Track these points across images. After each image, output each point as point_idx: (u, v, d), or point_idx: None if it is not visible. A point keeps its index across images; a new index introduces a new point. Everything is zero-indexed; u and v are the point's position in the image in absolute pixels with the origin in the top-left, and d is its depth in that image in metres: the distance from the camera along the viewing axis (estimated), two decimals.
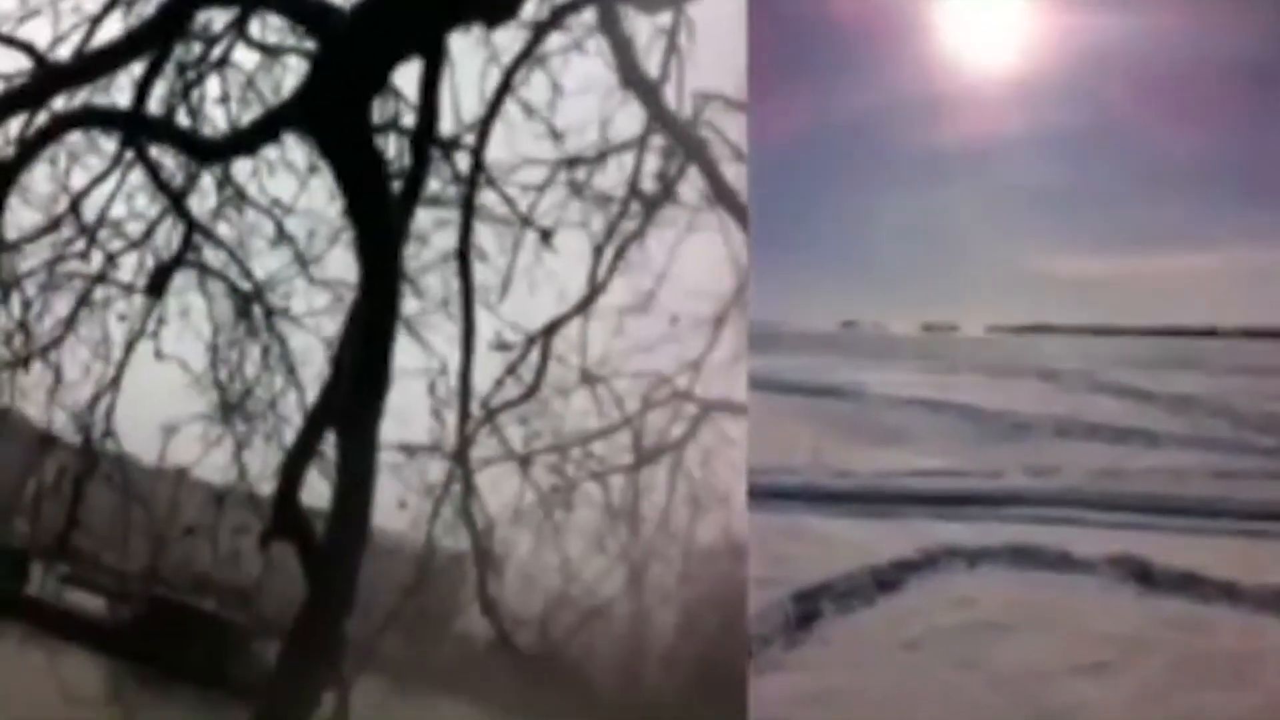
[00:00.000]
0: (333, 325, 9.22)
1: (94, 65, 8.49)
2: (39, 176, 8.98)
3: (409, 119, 8.72)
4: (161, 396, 9.62)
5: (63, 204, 9.27)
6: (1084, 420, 19.68)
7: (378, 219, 8.16)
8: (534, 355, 10.06)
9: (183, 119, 9.21)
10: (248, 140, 8.84)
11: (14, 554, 10.94)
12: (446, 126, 8.96)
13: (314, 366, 9.28)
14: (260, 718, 7.79)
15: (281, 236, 9.68)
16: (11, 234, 9.06)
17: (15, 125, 8.44)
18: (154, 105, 8.89)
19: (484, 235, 9.70)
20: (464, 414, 9.72)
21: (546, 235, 9.88)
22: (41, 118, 8.51)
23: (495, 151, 9.48)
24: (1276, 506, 12.31)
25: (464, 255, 9.37)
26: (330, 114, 7.93)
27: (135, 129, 8.91)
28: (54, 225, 9.30)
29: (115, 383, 9.46)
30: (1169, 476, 13.99)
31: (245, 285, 9.78)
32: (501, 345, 9.97)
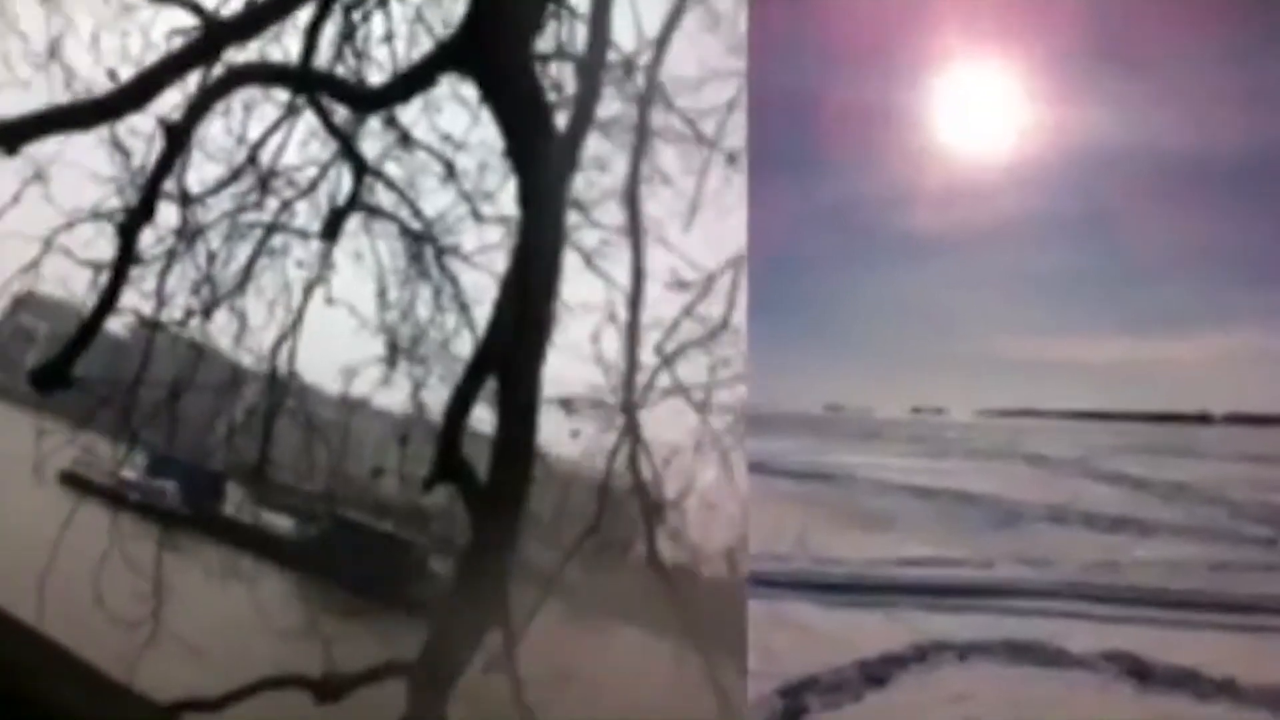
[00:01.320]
0: (505, 262, 9.12)
1: (261, 17, 8.49)
2: (216, 130, 9.20)
3: (581, 38, 8.83)
4: (341, 339, 9.90)
5: (240, 155, 9.50)
6: (1077, 508, 19.56)
7: (541, 155, 8.14)
8: (725, 282, 9.97)
9: (349, 60, 9.22)
10: (404, 88, 8.81)
11: (212, 476, 11.95)
12: (624, 43, 9.05)
13: (486, 305, 9.23)
14: (435, 639, 7.98)
15: (450, 174, 9.67)
16: (195, 188, 9.32)
17: (191, 81, 8.46)
18: (323, 46, 8.93)
19: (667, 158, 9.73)
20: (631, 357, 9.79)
21: (733, 158, 9.73)
22: (216, 71, 8.52)
23: (677, 68, 9.47)
24: (1275, 600, 12.10)
25: (633, 187, 9.32)
26: (491, 48, 7.92)
27: (302, 82, 8.99)
28: (233, 177, 9.53)
29: (295, 327, 9.83)
30: (1165, 568, 13.81)
31: (415, 225, 9.90)
32: (679, 283, 9.86)
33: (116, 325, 9.45)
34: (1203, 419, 71.05)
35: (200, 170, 9.28)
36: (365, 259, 9.88)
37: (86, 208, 8.75)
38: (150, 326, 9.40)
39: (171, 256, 9.35)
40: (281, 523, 12.42)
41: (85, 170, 8.72)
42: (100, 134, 8.59)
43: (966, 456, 34.96)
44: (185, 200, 9.30)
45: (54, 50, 9.02)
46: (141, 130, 8.54)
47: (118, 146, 8.82)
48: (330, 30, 8.97)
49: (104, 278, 8.60)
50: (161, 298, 9.40)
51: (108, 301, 8.63)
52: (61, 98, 8.43)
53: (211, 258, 9.60)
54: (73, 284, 8.67)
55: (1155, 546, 15.77)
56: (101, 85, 8.27)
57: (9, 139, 7.86)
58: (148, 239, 8.91)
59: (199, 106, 8.48)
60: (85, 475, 10.29)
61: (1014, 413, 74.94)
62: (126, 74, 8.22)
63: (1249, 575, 13.61)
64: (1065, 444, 43.00)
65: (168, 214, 9.09)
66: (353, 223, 9.72)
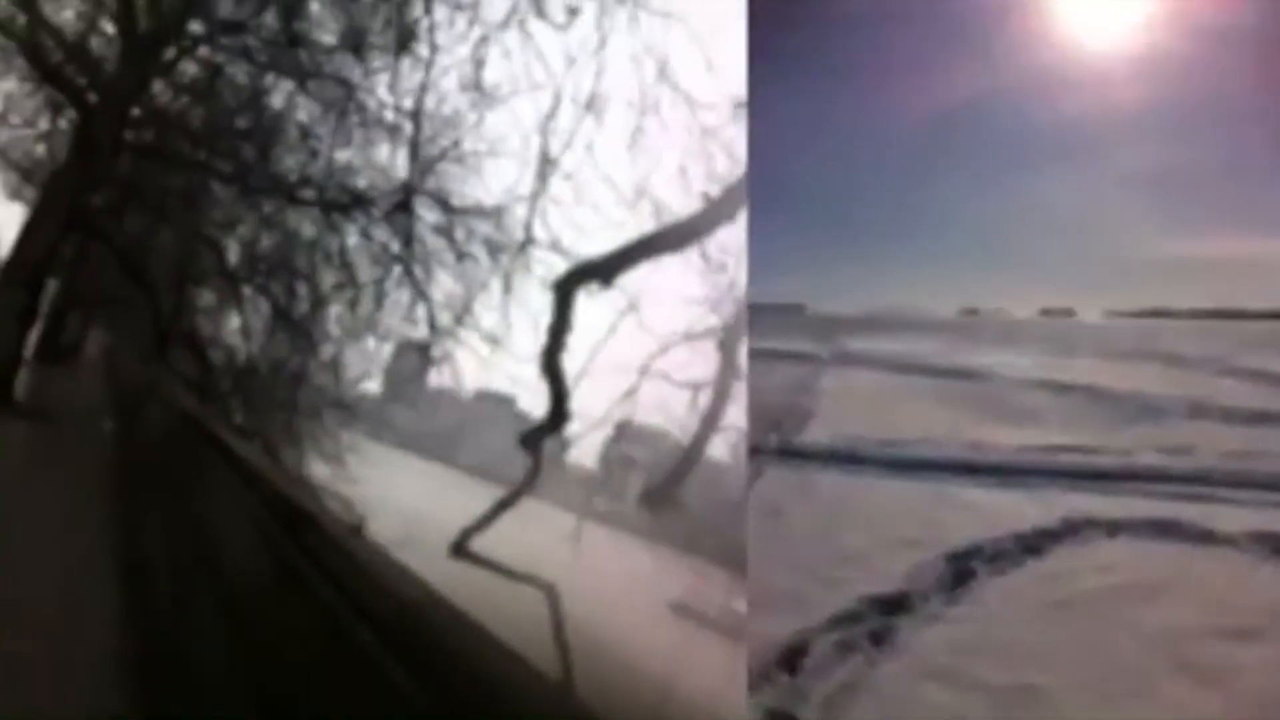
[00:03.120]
0: None
1: None
2: None
3: None
4: None
5: None
6: (1215, 403, 19.72)
7: None
8: None
9: None
10: None
11: None
12: None
13: None
14: None
15: None
16: None
17: None
18: None
19: None
20: None
21: None
22: None
23: None
24: None
25: None
26: None
27: None
28: None
29: None
30: None
31: None
32: None
33: (720, 446, 10.01)
34: None
35: None
36: None
37: (680, 330, 9.18)
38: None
39: None
40: None
41: (676, 294, 9.27)
42: (689, 257, 9.04)
43: (1099, 356, 34.81)
44: None
45: (641, 189, 9.66)
46: (731, 246, 8.99)
47: (708, 262, 9.18)
48: None
49: (704, 397, 9.13)
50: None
51: (710, 421, 9.07)
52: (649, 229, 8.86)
53: None
54: (671, 407, 9.23)
55: None
56: (691, 210, 8.77)
57: (606, 273, 8.57)
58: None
59: None
60: (697, 606, 10.11)
61: (1143, 313, 73.19)
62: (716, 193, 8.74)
63: None
64: (1197, 343, 42.24)
65: None
66: None
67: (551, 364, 13.59)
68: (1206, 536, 10.24)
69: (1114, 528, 10.43)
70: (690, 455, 8.86)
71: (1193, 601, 8.46)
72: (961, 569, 8.99)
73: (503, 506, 14.25)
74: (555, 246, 16.63)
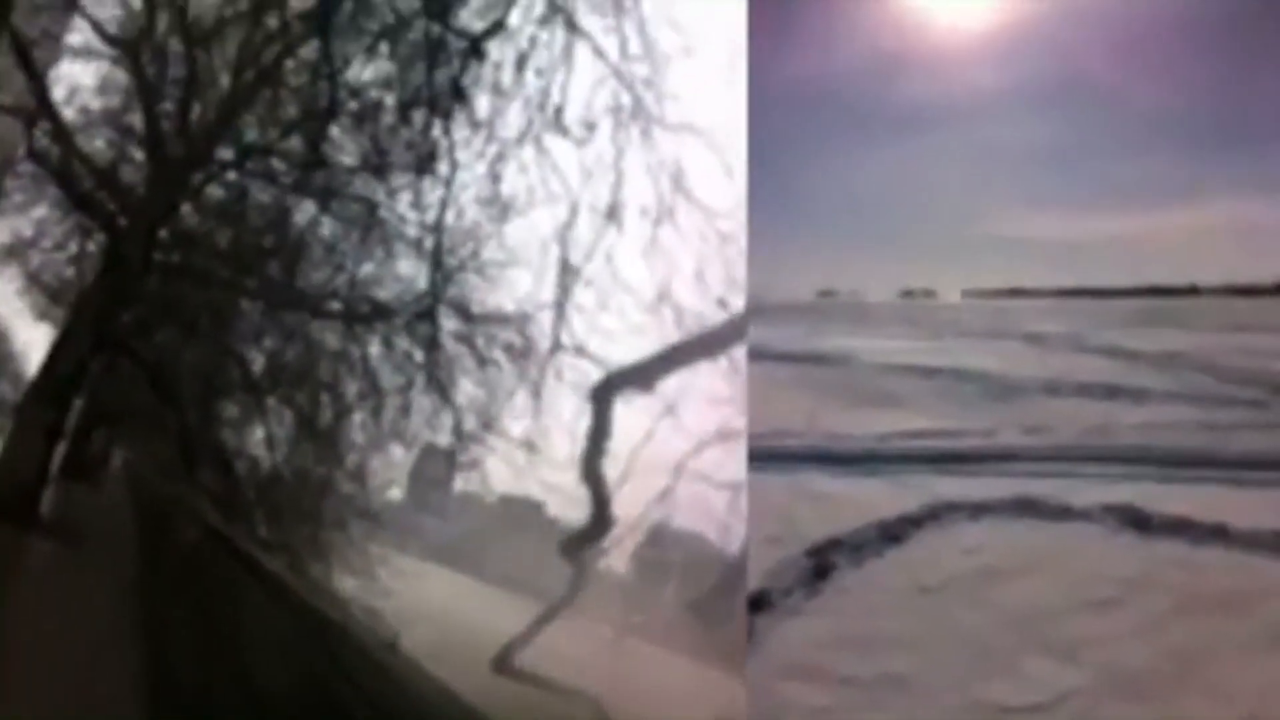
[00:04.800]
0: None
1: None
2: None
3: None
4: None
5: None
6: (1072, 380, 20.17)
7: None
8: None
9: None
10: None
11: None
12: None
13: None
14: None
15: None
16: None
17: None
18: None
19: None
20: None
21: None
22: None
23: None
24: (1260, 455, 12.78)
25: None
26: None
27: None
28: None
29: None
30: (1158, 430, 14.44)
31: None
32: None
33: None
34: (1191, 291, 71.75)
35: None
36: None
37: (713, 431, 9.12)
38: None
39: None
40: None
41: (708, 395, 9.10)
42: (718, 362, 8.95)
43: (960, 336, 35.55)
44: None
45: (663, 294, 9.54)
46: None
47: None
48: None
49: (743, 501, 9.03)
50: None
51: None
52: (672, 335, 8.89)
53: None
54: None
55: (1148, 412, 16.39)
56: (712, 317, 8.63)
57: (644, 379, 8.30)
58: None
59: None
60: None
61: (1002, 293, 75.40)
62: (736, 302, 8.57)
63: (1238, 434, 14.26)
64: (1055, 321, 43.58)
65: None
66: None
67: (592, 470, 13.68)
68: (1064, 512, 10.29)
69: (976, 510, 10.38)
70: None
71: (1053, 578, 8.47)
72: (822, 563, 8.77)
73: (546, 619, 13.99)
74: (581, 352, 16.86)
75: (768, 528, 9.69)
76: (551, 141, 16.44)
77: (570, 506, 14.43)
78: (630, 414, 12.96)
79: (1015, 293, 73.97)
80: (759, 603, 8.00)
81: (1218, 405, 17.00)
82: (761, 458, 12.17)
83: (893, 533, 9.61)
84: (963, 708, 6.38)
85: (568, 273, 17.09)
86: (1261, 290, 68.66)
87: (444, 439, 20.58)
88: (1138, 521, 9.90)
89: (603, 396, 13.61)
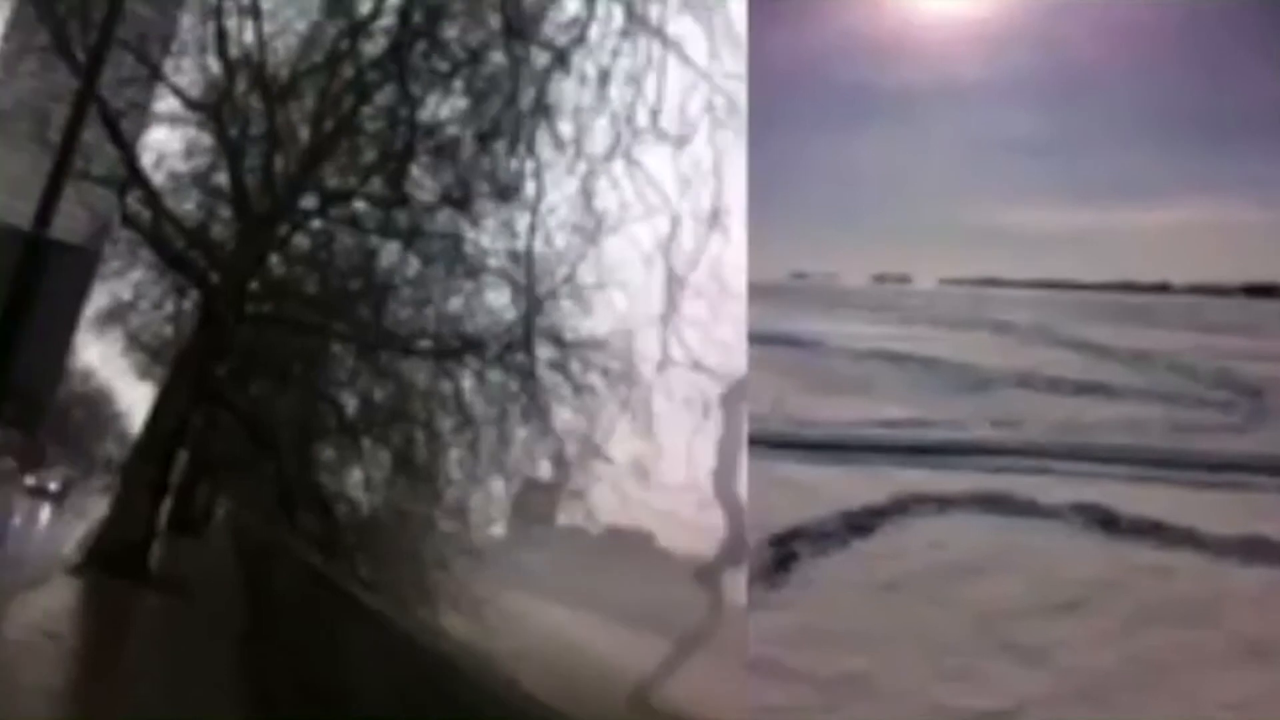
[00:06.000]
0: None
1: None
2: None
3: None
4: None
5: None
6: (1043, 374, 20.06)
7: None
8: None
9: None
10: None
11: None
12: None
13: None
14: None
15: None
16: None
17: None
18: None
19: None
20: None
21: None
22: None
23: None
24: (1231, 458, 12.68)
25: None
26: None
27: None
28: None
29: None
30: (1128, 429, 14.33)
31: None
32: None
33: None
34: (1162, 289, 72.16)
35: None
36: None
37: None
38: None
39: None
40: None
41: None
42: None
43: (932, 324, 35.41)
44: None
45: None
46: None
47: None
48: None
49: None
50: None
51: None
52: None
53: None
54: None
55: (1119, 409, 16.28)
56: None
57: None
58: None
59: None
60: None
61: (976, 281, 75.55)
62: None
63: (1207, 435, 14.17)
64: (1029, 312, 43.60)
65: None
66: None
67: (726, 488, 13.29)
68: (1032, 509, 10.13)
69: (944, 504, 10.21)
70: None
71: (1019, 577, 8.30)
72: (784, 553, 8.55)
73: (683, 652, 13.59)
74: (699, 366, 16.61)
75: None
76: (643, 152, 16.07)
77: (683, 532, 14.08)
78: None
79: (991, 282, 74.16)
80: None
81: (1188, 405, 16.93)
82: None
83: (858, 523, 9.41)
84: (923, 712, 6.18)
85: (674, 285, 16.79)
86: (1231, 290, 69.25)
87: (544, 471, 20.45)
88: (1106, 522, 9.76)
89: (732, 405, 13.11)
